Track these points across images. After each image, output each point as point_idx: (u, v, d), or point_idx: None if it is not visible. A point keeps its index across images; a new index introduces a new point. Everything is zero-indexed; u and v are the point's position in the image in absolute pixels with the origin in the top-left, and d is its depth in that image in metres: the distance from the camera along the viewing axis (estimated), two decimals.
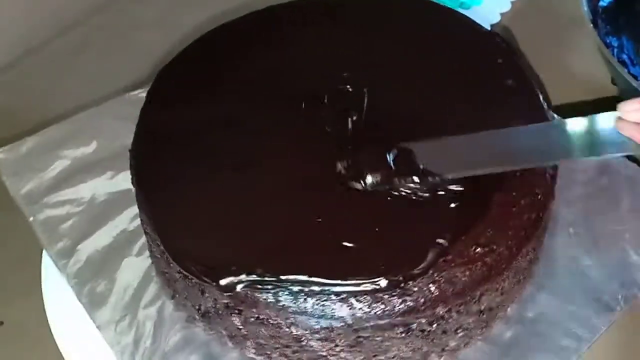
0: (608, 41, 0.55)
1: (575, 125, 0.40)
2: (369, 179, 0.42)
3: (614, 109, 0.39)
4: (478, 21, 0.59)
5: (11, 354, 0.47)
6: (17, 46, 0.61)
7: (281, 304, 0.40)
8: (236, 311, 0.42)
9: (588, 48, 0.57)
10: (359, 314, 0.40)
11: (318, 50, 0.50)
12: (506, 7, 0.65)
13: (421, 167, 0.42)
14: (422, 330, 0.42)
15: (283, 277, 0.40)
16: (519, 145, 0.41)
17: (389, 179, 0.42)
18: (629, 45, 0.58)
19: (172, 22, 0.58)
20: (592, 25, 0.54)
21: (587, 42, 0.56)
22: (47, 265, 0.49)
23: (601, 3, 0.57)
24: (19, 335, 0.47)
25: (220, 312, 0.42)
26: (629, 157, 0.51)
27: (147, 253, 0.49)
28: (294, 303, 0.40)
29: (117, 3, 0.65)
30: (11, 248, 0.51)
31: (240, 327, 0.43)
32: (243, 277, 0.40)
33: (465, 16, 0.52)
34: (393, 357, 0.43)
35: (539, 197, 0.44)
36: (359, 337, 0.41)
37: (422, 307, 0.41)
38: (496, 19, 0.64)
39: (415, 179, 0.42)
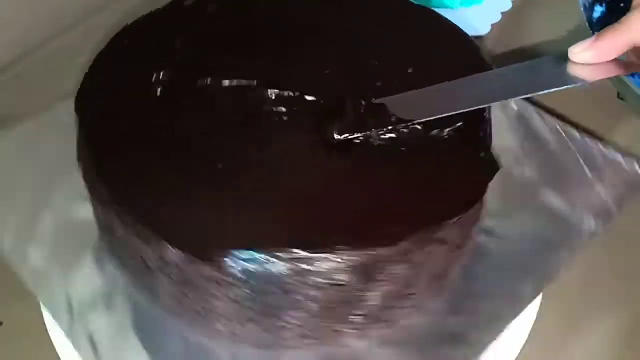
0: None
1: (529, 68, 0.42)
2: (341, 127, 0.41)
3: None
4: (478, 20, 0.60)
5: (11, 355, 0.45)
6: (16, 46, 0.60)
7: None
8: None
9: None
10: None
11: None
12: (507, 6, 0.64)
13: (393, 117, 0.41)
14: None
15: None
16: (480, 88, 0.42)
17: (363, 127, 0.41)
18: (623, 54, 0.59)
19: None
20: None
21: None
22: None
23: (595, 15, 0.57)
24: (18, 335, 0.45)
25: None
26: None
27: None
28: None
29: (117, 3, 0.63)
30: None
31: None
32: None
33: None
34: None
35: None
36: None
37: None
38: (497, 18, 0.63)
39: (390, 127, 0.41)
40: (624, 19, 0.39)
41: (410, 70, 0.45)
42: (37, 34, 0.60)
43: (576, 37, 0.61)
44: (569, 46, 0.58)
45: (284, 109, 0.43)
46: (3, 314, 0.46)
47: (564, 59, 0.40)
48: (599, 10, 0.57)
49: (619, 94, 0.56)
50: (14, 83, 0.59)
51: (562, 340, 0.42)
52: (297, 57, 0.46)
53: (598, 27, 0.56)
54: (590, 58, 0.39)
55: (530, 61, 0.42)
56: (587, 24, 0.55)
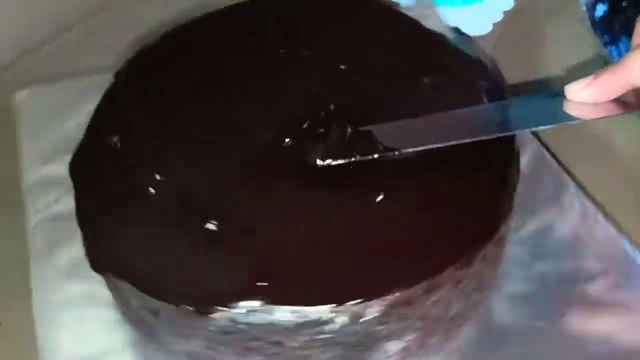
0: (608, 52, 0.54)
1: (524, 103, 0.43)
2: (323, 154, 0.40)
3: None
4: (480, 19, 0.59)
5: (10, 355, 0.44)
6: (17, 46, 0.60)
7: None
8: None
9: (592, 47, 0.56)
10: None
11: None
12: (509, 5, 0.63)
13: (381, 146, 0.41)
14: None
15: None
16: (470, 121, 0.42)
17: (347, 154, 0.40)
18: (625, 52, 0.57)
19: (173, 22, 0.56)
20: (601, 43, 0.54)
21: (591, 41, 0.55)
22: None
23: (596, 14, 0.57)
24: (17, 336, 0.44)
25: None
26: None
27: None
28: None
29: (117, 2, 0.64)
30: (10, 249, 0.48)
31: None
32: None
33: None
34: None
35: None
36: None
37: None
38: (498, 17, 0.62)
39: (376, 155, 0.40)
40: (622, 59, 0.39)
41: (400, 92, 0.44)
42: (37, 33, 0.61)
43: (578, 36, 0.62)
44: (570, 46, 0.59)
45: (268, 132, 0.42)
46: (2, 315, 0.46)
47: (561, 95, 0.40)
48: (601, 9, 0.57)
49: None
50: (13, 82, 0.58)
51: None
52: (284, 76, 0.46)
53: (600, 25, 0.56)
54: (587, 97, 0.39)
55: (526, 96, 0.43)
56: (589, 23, 0.55)
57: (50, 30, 0.61)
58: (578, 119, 0.40)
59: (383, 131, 0.41)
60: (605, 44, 0.55)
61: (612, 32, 0.57)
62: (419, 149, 0.40)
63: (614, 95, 0.39)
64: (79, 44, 0.61)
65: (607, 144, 0.52)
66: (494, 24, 0.61)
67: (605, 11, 0.57)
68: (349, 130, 0.41)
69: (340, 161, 0.40)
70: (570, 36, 0.60)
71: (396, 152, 0.40)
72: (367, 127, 0.41)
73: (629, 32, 0.56)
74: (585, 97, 0.39)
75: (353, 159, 0.40)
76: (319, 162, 0.40)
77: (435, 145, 0.40)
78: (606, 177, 0.49)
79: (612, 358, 0.40)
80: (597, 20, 0.56)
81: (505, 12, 0.62)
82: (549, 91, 0.43)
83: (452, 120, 0.42)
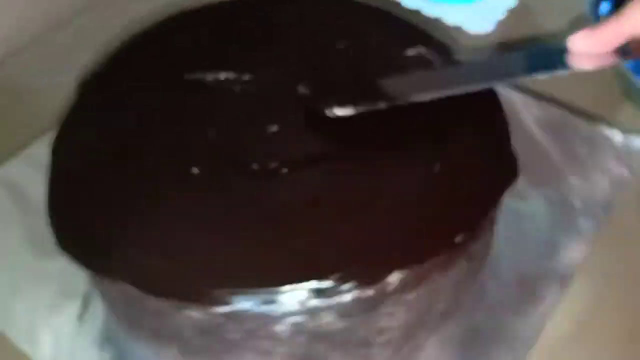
0: None
1: (527, 54, 0.43)
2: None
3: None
4: (483, 17, 0.59)
5: (10, 356, 0.44)
6: (11, 42, 0.60)
7: None
8: None
9: None
10: None
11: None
12: (512, 3, 0.63)
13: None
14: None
15: None
16: (474, 71, 0.43)
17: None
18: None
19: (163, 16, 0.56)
20: None
21: None
22: None
23: (601, 11, 0.57)
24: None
25: None
26: None
27: None
28: None
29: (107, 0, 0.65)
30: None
31: None
32: None
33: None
34: None
35: None
36: None
37: None
38: (502, 15, 0.62)
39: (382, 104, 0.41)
40: (624, 9, 0.39)
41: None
42: (31, 29, 0.61)
43: None
44: None
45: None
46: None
47: (561, 46, 0.41)
48: (605, 7, 0.56)
49: (624, 92, 0.56)
50: (8, 79, 0.59)
51: (562, 340, 0.42)
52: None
53: None
54: (588, 47, 0.39)
55: (529, 48, 0.42)
56: (594, 20, 0.55)
57: (42, 28, 0.61)
58: (578, 68, 0.40)
59: (389, 83, 0.42)
60: None
61: None
62: (424, 100, 0.40)
63: (613, 46, 0.39)
64: (73, 41, 0.62)
65: None
66: (498, 22, 0.61)
67: (609, 9, 0.57)
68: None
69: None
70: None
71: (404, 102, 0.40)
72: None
73: None
74: (586, 46, 0.40)
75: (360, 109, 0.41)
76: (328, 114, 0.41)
77: (435, 96, 0.40)
78: None
79: None
80: (601, 17, 0.56)
81: (509, 10, 0.62)
82: (550, 44, 0.43)
83: (453, 72, 0.43)
